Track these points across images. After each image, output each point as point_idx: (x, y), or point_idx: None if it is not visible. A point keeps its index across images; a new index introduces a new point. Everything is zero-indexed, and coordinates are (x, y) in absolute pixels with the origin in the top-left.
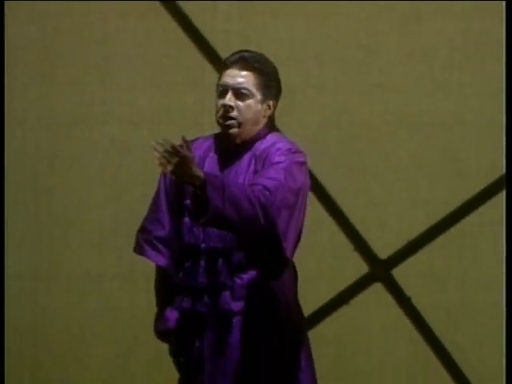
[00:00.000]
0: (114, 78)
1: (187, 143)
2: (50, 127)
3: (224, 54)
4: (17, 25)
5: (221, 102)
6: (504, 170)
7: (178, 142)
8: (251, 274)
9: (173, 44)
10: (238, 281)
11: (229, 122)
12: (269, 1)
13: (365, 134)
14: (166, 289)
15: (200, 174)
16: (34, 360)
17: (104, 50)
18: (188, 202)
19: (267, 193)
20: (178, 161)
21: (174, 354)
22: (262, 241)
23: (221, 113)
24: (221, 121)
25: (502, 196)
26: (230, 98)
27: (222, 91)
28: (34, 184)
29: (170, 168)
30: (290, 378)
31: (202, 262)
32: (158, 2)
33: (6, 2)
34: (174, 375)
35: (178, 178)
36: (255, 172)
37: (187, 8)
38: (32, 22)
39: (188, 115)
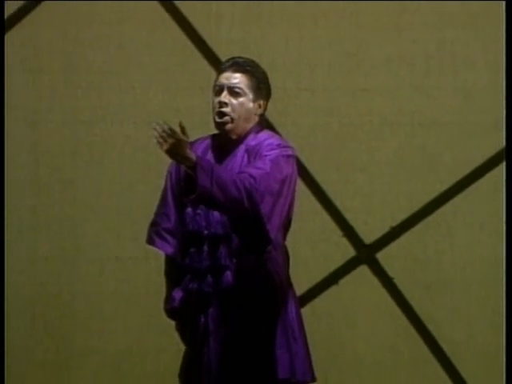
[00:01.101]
0: (129, 83)
1: (183, 128)
2: (72, 126)
3: (224, 59)
4: (43, 35)
5: (217, 99)
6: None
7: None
8: (249, 256)
9: (181, 53)
10: (238, 263)
11: (224, 119)
12: (266, 13)
13: (352, 133)
14: (174, 274)
15: (192, 156)
16: (60, 331)
17: (120, 58)
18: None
19: (252, 180)
20: (173, 142)
21: (180, 329)
22: (248, 222)
23: (216, 109)
24: (216, 118)
25: (474, 187)
26: (225, 96)
27: (218, 90)
28: (59, 176)
29: (165, 147)
30: (284, 346)
31: (206, 247)
32: (168, 16)
33: (6, 1)
34: (182, 347)
35: (172, 157)
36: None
37: (194, 21)
38: (57, 33)
39: (195, 116)
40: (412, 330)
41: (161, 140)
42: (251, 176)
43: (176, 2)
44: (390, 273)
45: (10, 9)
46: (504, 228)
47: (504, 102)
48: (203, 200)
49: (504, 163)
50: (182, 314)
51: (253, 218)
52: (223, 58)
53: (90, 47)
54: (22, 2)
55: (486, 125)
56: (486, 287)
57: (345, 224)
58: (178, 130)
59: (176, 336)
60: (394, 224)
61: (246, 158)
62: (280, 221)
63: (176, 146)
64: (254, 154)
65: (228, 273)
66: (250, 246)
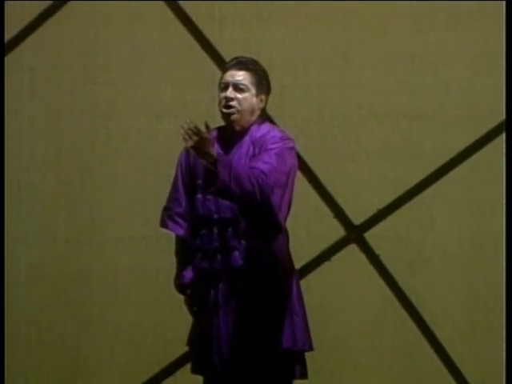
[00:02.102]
0: (141, 79)
1: (208, 128)
2: (90, 118)
3: (229, 59)
4: (64, 36)
5: (223, 94)
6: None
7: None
8: (254, 237)
9: (188, 51)
10: (244, 243)
11: (230, 110)
12: (265, 16)
13: (342, 125)
14: (183, 253)
15: (213, 153)
16: (78, 305)
17: (133, 57)
18: (199, 182)
19: (263, 175)
20: (198, 140)
21: (189, 303)
22: (259, 213)
23: (223, 103)
24: (223, 110)
25: (452, 174)
26: (231, 92)
27: (224, 87)
28: (78, 164)
29: (190, 144)
30: (287, 319)
31: (215, 230)
32: (176, 18)
33: (6, 1)
34: (190, 319)
35: (196, 153)
36: (253, 156)
37: (199, 22)
38: (76, 34)
39: (201, 109)
40: (396, 302)
41: (186, 137)
42: (262, 172)
43: (183, 5)
44: (377, 251)
45: (33, 12)
46: (504, 209)
47: (504, 102)
48: (221, 193)
49: (504, 160)
50: (194, 288)
51: (264, 209)
52: (226, 57)
53: (106, 47)
54: (45, 3)
55: (462, 117)
56: (463, 264)
57: (336, 207)
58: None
59: (184, 309)
60: (381, 207)
61: (251, 149)
62: (288, 209)
63: (200, 144)
64: (259, 145)
65: (236, 253)
66: (262, 232)
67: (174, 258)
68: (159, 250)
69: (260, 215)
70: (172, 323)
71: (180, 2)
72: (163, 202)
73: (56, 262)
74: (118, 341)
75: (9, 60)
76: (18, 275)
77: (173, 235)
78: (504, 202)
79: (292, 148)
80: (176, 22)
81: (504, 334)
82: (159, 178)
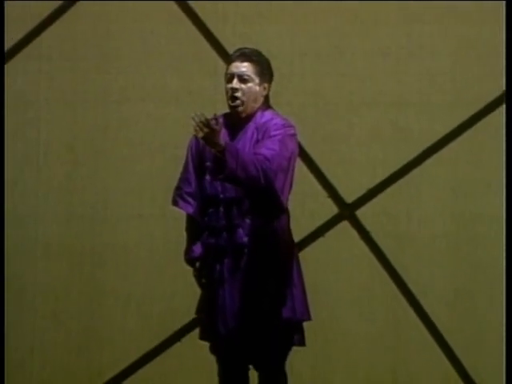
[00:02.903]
0: (150, 69)
1: (217, 120)
2: (103, 105)
3: (231, 51)
4: (79, 30)
5: (229, 85)
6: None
7: (209, 116)
8: (258, 216)
9: (193, 44)
10: (248, 221)
11: (236, 103)
12: (264, 12)
13: (335, 111)
14: (193, 230)
15: (222, 143)
16: (92, 277)
17: (143, 49)
18: (208, 164)
19: (267, 162)
20: (208, 131)
21: (198, 276)
22: (263, 195)
23: (229, 94)
24: (230, 102)
25: (437, 156)
26: (236, 83)
27: (230, 78)
28: (92, 147)
29: (201, 135)
30: (287, 291)
31: (222, 209)
32: (183, 14)
33: (6, 1)
34: (196, 289)
35: (206, 142)
36: (257, 141)
37: (204, 18)
38: (90, 28)
39: (205, 96)
40: (385, 274)
41: (197, 128)
42: (266, 158)
43: (190, 3)
44: (367, 227)
45: (48, 8)
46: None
47: (505, 103)
48: (229, 179)
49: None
50: (202, 262)
51: (268, 193)
52: (229, 49)
53: (117, 39)
54: (60, 2)
55: (446, 104)
56: (446, 238)
57: (329, 187)
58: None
59: (189, 280)
60: (371, 186)
61: (255, 135)
62: (289, 191)
63: (210, 135)
64: (262, 131)
65: (240, 230)
66: (266, 212)
67: (179, 234)
68: (166, 226)
69: (264, 197)
70: (178, 293)
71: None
72: (170, 182)
73: (71, 237)
74: (129, 309)
75: (28, 51)
76: (36, 250)
77: (178, 213)
78: (503, 185)
79: (293, 135)
80: (182, 17)
81: (504, 335)
82: (166, 160)
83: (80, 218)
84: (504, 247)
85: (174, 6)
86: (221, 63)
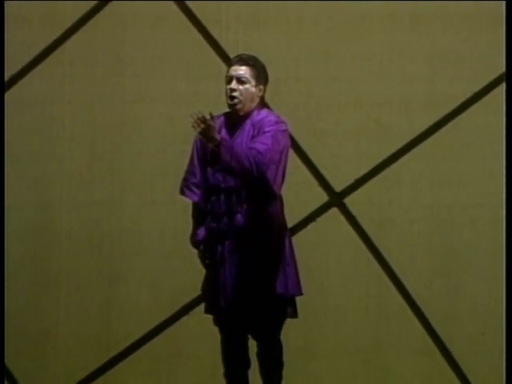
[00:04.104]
0: (161, 72)
1: (212, 117)
2: (119, 105)
3: (233, 56)
4: (96, 37)
5: (228, 86)
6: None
7: (207, 115)
8: (254, 203)
9: (199, 50)
10: (246, 208)
11: (234, 101)
12: (262, 21)
13: (326, 110)
14: (198, 216)
15: (217, 137)
16: (110, 256)
17: (154, 54)
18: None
19: (260, 155)
20: (204, 127)
21: (202, 257)
22: (256, 184)
23: (228, 93)
24: (229, 101)
25: (415, 150)
26: (234, 84)
27: (229, 79)
28: (110, 142)
29: (198, 130)
30: (281, 269)
31: (222, 196)
32: (189, 23)
33: (6, 2)
34: (201, 269)
35: (203, 137)
36: (253, 136)
37: (209, 26)
38: (106, 35)
39: (210, 97)
40: (369, 254)
41: (195, 124)
42: (259, 152)
43: (195, 13)
44: (354, 213)
45: (70, 18)
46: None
47: (504, 103)
48: (224, 169)
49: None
50: (205, 244)
51: (261, 182)
52: (230, 55)
53: (131, 47)
54: (80, 13)
55: (423, 104)
56: (423, 223)
57: (320, 177)
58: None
59: (195, 260)
60: (357, 177)
61: (251, 131)
62: (281, 180)
63: (206, 130)
64: (258, 127)
65: (239, 215)
66: (260, 199)
67: (187, 219)
68: (175, 212)
69: (258, 186)
70: (186, 272)
71: (193, 10)
72: (178, 172)
73: (91, 221)
74: (143, 286)
75: (53, 57)
76: (61, 233)
77: (186, 201)
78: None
79: (285, 130)
80: (189, 26)
81: (504, 334)
82: (176, 153)
83: (99, 205)
84: (503, 235)
85: (182, 16)
86: (223, 68)
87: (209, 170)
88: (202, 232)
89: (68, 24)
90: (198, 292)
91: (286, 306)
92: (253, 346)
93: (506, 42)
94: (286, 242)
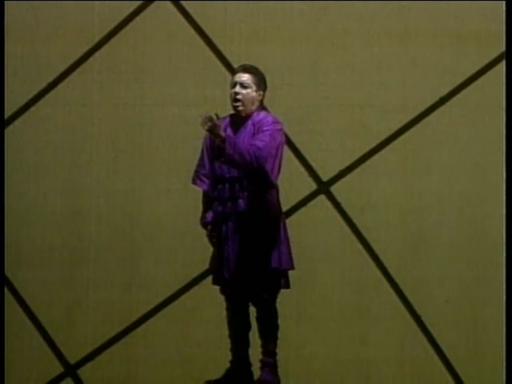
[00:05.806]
0: (175, 80)
1: (218, 117)
2: (139, 107)
3: (237, 66)
4: (120, 50)
5: (232, 90)
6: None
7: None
8: (253, 190)
9: (207, 61)
10: (247, 194)
11: (237, 104)
12: (262, 36)
13: (314, 111)
14: (207, 201)
15: (223, 134)
16: (130, 235)
17: (170, 65)
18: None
19: (259, 150)
20: (211, 125)
21: (210, 236)
22: (256, 175)
23: (232, 97)
24: (233, 103)
25: (391, 146)
26: (238, 88)
27: (233, 85)
28: (132, 138)
29: (206, 127)
30: (276, 246)
31: (227, 185)
32: (199, 38)
33: (6, 2)
34: (209, 247)
35: (210, 133)
36: (253, 134)
37: (216, 40)
38: (128, 48)
39: (217, 101)
40: (352, 236)
41: (203, 123)
42: (258, 148)
43: (204, 29)
44: (339, 200)
45: (99, 34)
46: (503, 171)
47: (503, 101)
48: (228, 162)
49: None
50: (213, 225)
51: (260, 173)
52: (234, 65)
53: (151, 58)
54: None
55: (398, 106)
56: (399, 208)
57: (310, 168)
58: (214, 117)
59: (205, 239)
60: (342, 168)
61: (252, 129)
62: (278, 172)
63: (213, 127)
64: (257, 127)
65: (241, 201)
66: (259, 187)
67: (198, 204)
68: (187, 199)
69: (257, 177)
70: (196, 249)
71: (202, 27)
72: (191, 165)
73: (114, 207)
74: (160, 261)
75: (84, 67)
76: (90, 217)
77: (198, 189)
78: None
79: (281, 129)
80: (199, 41)
81: (504, 332)
82: (188, 149)
83: (122, 192)
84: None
85: (193, 32)
86: (228, 76)
87: (216, 162)
88: (209, 215)
89: (97, 39)
90: (206, 266)
91: (280, 278)
92: (253, 311)
93: (505, 41)
94: (281, 223)
